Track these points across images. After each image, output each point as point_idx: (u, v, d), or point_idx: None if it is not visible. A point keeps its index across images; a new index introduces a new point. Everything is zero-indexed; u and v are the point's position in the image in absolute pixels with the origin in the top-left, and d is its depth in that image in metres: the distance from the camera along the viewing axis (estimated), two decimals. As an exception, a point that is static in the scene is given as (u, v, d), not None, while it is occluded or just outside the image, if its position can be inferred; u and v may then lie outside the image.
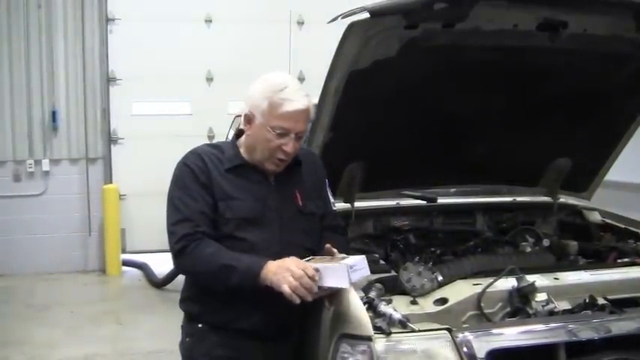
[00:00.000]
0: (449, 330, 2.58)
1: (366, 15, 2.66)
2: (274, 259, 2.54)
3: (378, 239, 3.77)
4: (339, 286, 2.54)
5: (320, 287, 2.54)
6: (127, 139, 8.96)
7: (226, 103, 8.48)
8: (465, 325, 2.72)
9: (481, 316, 2.80)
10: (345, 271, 2.48)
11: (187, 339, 2.86)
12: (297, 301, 2.47)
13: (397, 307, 2.66)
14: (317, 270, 2.51)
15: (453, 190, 4.10)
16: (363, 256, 2.61)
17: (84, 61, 8.71)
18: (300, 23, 9.23)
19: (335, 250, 2.67)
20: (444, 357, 2.52)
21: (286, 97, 2.62)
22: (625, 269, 3.21)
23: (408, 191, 3.80)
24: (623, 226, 3.95)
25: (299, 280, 2.45)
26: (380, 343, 2.50)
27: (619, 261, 3.47)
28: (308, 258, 2.62)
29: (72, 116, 8.77)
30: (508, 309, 2.85)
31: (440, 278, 2.95)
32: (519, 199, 4.18)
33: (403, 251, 3.60)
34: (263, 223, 2.68)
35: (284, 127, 2.63)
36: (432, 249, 3.56)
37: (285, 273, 2.47)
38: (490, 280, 2.87)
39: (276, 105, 2.62)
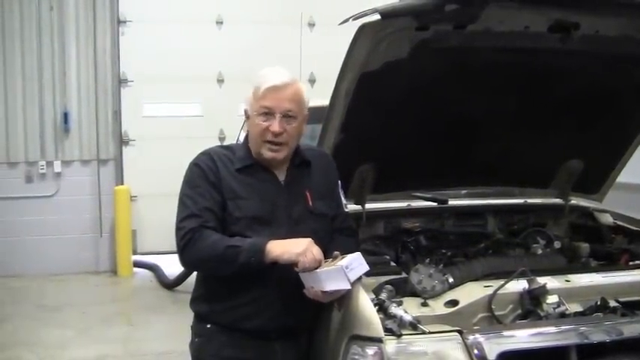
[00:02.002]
0: (460, 332, 2.58)
1: (377, 17, 2.66)
2: None
3: (389, 241, 3.76)
4: (342, 288, 2.57)
5: (325, 292, 2.57)
6: (138, 140, 8.98)
7: (237, 105, 8.34)
8: (475, 327, 2.71)
9: (492, 318, 2.80)
10: (341, 273, 2.53)
11: (197, 339, 2.88)
12: (307, 264, 2.55)
13: (408, 308, 2.66)
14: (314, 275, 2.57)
15: (464, 191, 4.09)
16: (358, 253, 2.64)
17: (95, 62, 8.75)
18: (311, 25, 9.23)
19: (337, 253, 2.68)
20: (454, 359, 2.52)
21: (264, 79, 2.72)
22: (637, 271, 3.20)
23: (418, 193, 3.80)
24: (634, 228, 3.93)
25: (307, 249, 2.56)
26: (390, 345, 2.50)
27: (631, 263, 3.46)
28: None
29: (83, 118, 8.81)
30: (519, 311, 2.85)
31: (451, 280, 2.94)
32: (530, 200, 4.17)
33: (414, 253, 3.60)
34: (272, 222, 2.69)
35: (265, 105, 2.70)
36: (443, 251, 3.55)
37: (291, 245, 2.58)
38: (501, 282, 2.87)
39: (256, 89, 2.73)
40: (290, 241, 2.60)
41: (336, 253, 2.67)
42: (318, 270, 2.57)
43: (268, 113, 2.70)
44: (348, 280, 2.53)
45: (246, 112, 2.81)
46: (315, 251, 2.57)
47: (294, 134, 2.77)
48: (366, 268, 2.64)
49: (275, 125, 2.69)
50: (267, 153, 2.75)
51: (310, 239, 2.60)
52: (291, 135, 2.75)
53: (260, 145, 2.74)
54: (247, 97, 2.79)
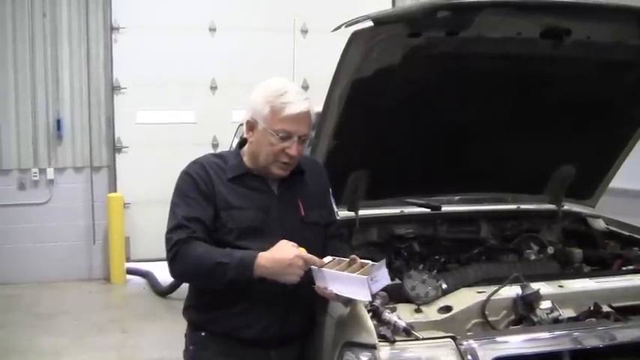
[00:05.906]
0: (453, 338, 2.58)
1: (369, 23, 2.67)
2: None
3: (383, 247, 3.76)
4: (360, 299, 2.54)
5: (338, 295, 2.55)
6: (131, 147, 8.95)
7: (230, 112, 8.49)
8: (469, 333, 2.72)
9: (485, 323, 2.80)
10: (365, 284, 2.47)
11: (191, 347, 2.87)
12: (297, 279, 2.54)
13: (401, 315, 2.66)
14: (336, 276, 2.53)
15: (457, 198, 4.10)
16: (383, 263, 2.60)
17: (88, 69, 8.71)
18: (304, 32, 9.23)
19: (355, 257, 2.65)
20: (448, 365, 2.52)
21: (287, 101, 2.66)
22: (630, 277, 3.21)
23: (412, 199, 3.80)
24: (627, 234, 3.94)
25: (303, 269, 2.54)
26: (384, 351, 2.50)
27: (624, 268, 3.46)
28: (328, 260, 2.62)
29: (76, 125, 8.77)
30: (512, 317, 2.85)
31: (444, 286, 2.94)
32: (524, 206, 4.17)
33: (407, 259, 3.60)
34: (265, 232, 2.67)
35: (287, 130, 2.66)
36: (437, 257, 3.55)
37: (285, 268, 2.52)
38: (494, 287, 2.87)
39: (277, 109, 2.66)
40: (277, 259, 2.54)
41: (353, 256, 2.64)
42: (339, 272, 2.54)
43: (287, 137, 2.68)
44: (370, 292, 2.48)
45: (252, 122, 2.74)
46: (302, 265, 2.54)
47: (302, 153, 2.79)
48: (388, 280, 2.60)
49: (293, 149, 2.68)
50: (277, 171, 2.74)
51: (296, 252, 2.54)
52: (301, 154, 2.77)
53: (271, 162, 2.72)
54: (257, 107, 2.70)
